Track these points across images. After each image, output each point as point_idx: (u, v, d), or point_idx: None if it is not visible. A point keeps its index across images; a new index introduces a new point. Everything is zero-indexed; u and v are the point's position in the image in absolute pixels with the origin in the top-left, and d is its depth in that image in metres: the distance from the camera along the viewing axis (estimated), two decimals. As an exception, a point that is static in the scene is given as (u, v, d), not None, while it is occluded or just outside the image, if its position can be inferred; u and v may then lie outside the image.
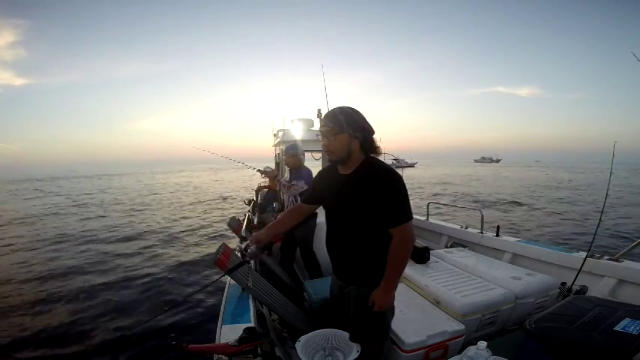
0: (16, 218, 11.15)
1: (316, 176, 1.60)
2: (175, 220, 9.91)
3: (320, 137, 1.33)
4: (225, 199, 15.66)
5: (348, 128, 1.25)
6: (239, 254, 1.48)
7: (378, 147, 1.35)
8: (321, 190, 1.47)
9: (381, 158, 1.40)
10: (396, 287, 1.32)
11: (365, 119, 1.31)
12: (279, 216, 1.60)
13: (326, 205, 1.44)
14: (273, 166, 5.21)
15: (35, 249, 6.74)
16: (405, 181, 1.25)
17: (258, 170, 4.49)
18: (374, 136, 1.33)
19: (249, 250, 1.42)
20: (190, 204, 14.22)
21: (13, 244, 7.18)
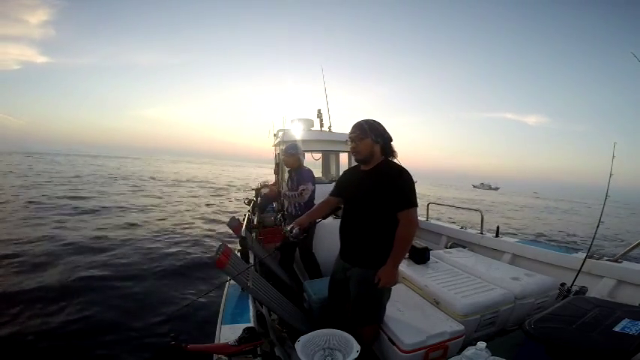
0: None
1: (342, 174, 1.89)
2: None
3: (349, 142, 1.62)
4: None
5: (371, 134, 1.55)
6: (286, 234, 1.74)
7: (395, 151, 1.63)
8: (344, 184, 1.74)
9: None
10: (397, 266, 1.54)
11: (385, 129, 1.60)
12: (315, 206, 1.89)
13: (347, 196, 1.70)
14: (272, 165, 5.21)
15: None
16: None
17: (255, 198, 4.48)
18: (392, 142, 1.61)
19: (294, 232, 1.69)
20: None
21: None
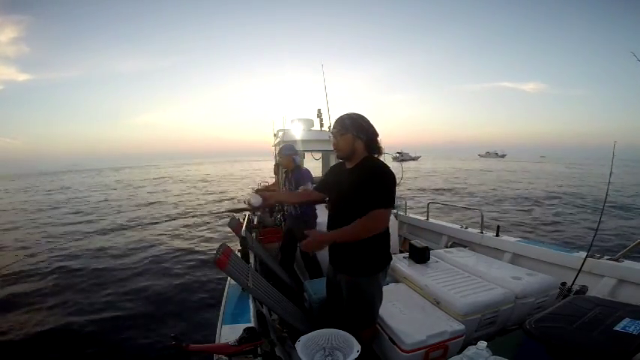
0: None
1: (329, 169, 1.82)
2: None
3: (331, 138, 1.57)
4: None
5: (352, 130, 1.47)
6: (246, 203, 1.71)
7: (381, 147, 1.54)
8: (328, 181, 1.69)
9: (382, 157, 1.58)
10: (332, 241, 1.45)
11: (369, 123, 1.51)
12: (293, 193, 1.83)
13: (330, 193, 1.66)
14: (272, 166, 5.21)
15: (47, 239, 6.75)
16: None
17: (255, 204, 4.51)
18: (378, 138, 1.53)
19: (252, 201, 1.64)
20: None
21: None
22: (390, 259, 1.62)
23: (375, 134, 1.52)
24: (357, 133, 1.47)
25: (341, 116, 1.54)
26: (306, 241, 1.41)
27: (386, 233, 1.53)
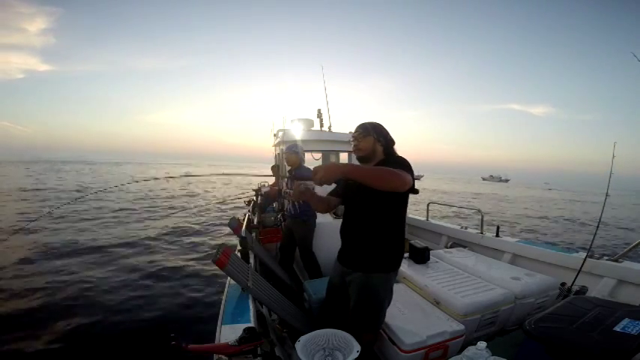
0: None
1: None
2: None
3: (352, 141, 1.62)
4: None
5: (373, 133, 1.56)
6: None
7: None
8: (345, 184, 1.67)
9: None
10: (345, 173, 1.22)
11: (388, 132, 1.61)
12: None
13: (347, 196, 1.65)
14: (272, 165, 5.22)
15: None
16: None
17: (255, 198, 4.53)
18: (395, 146, 1.60)
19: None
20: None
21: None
22: (400, 262, 1.59)
23: (392, 142, 1.60)
24: (377, 136, 1.55)
25: (362, 122, 1.61)
26: (320, 168, 1.23)
27: (402, 233, 1.55)
